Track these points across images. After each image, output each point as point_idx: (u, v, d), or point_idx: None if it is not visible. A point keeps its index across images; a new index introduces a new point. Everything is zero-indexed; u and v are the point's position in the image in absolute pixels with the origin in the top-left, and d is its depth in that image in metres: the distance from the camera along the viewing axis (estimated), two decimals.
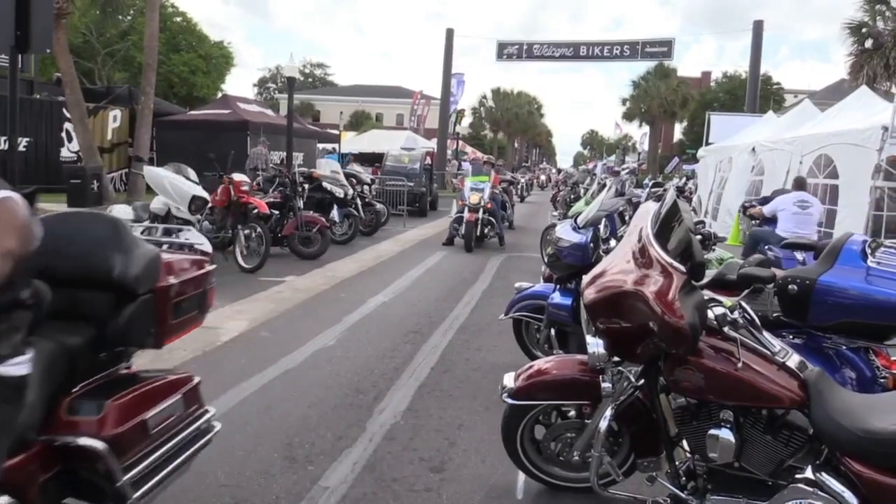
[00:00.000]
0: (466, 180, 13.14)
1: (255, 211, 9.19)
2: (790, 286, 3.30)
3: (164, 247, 3.30)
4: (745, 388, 2.48)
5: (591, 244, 4.72)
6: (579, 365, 3.11)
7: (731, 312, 2.60)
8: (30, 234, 1.80)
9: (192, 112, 22.21)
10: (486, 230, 12.70)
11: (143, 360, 5.14)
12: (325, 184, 11.85)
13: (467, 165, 19.90)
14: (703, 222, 6.14)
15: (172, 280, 2.66)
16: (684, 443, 2.76)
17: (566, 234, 4.85)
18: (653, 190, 12.25)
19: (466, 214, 12.32)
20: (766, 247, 7.12)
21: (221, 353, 5.50)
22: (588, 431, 2.97)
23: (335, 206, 11.88)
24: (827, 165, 11.40)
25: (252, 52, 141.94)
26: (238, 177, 9.45)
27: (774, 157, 13.70)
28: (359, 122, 51.77)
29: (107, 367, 2.47)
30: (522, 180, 30.80)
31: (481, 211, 12.42)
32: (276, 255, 9.88)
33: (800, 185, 8.85)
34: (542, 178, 46.84)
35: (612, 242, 4.97)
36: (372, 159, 24.96)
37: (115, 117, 19.79)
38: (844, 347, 3.36)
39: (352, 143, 34.43)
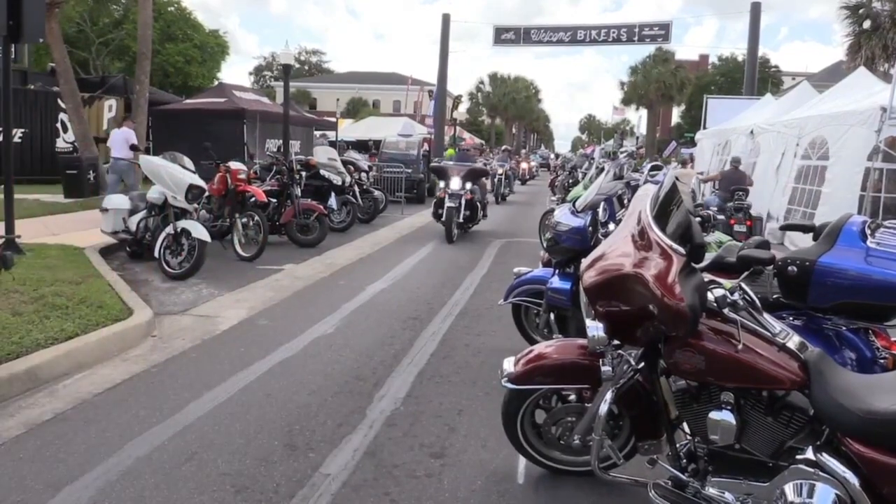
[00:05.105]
0: None
1: (253, 199, 9.15)
2: (790, 268, 3.29)
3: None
4: (746, 369, 2.48)
5: (590, 228, 4.71)
6: (579, 349, 3.10)
7: (731, 294, 2.59)
8: None
9: (188, 101, 22.02)
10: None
11: (140, 350, 5.16)
12: (322, 171, 11.80)
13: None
14: (701, 204, 6.13)
15: None
16: (685, 425, 2.76)
17: (565, 218, 4.84)
18: (651, 173, 12.27)
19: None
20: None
21: (220, 342, 5.50)
22: (588, 415, 2.97)
23: (333, 194, 11.84)
24: (821, 147, 11.37)
25: (247, 38, 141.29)
26: (235, 165, 9.41)
27: (771, 139, 13.66)
28: (356, 110, 51.58)
29: None
30: (500, 171, 20.76)
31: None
32: (274, 243, 9.87)
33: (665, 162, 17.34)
34: (524, 166, 32.87)
35: (611, 226, 4.96)
36: (369, 147, 24.75)
37: (110, 107, 19.70)
38: (844, 328, 3.36)
39: (349, 130, 34.29)
